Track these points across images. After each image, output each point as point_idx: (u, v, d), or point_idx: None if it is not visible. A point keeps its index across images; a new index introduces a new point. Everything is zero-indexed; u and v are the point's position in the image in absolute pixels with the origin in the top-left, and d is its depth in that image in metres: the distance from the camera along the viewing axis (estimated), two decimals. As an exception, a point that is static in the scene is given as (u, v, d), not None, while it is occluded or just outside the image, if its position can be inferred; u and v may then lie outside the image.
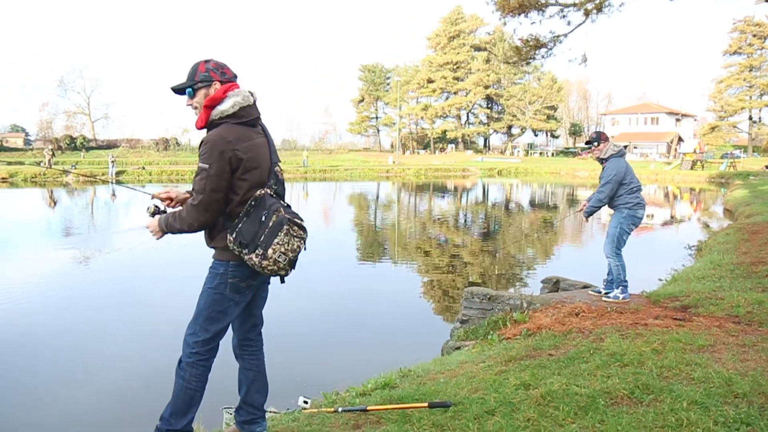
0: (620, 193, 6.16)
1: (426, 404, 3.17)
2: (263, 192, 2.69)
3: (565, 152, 77.08)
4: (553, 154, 76.08)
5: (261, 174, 2.73)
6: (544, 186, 45.18)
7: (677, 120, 69.26)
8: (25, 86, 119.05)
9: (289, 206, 2.78)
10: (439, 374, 4.45)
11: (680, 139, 65.60)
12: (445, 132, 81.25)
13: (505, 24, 12.31)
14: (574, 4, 10.64)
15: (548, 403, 3.22)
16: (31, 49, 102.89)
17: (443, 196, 34.22)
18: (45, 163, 36.56)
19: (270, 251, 2.62)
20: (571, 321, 5.32)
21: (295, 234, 2.68)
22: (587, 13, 10.57)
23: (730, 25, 64.41)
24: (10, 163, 37.53)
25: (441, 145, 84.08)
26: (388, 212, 24.00)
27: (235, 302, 2.79)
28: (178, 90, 2.81)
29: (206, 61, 2.81)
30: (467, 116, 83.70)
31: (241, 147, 2.68)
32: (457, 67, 76.37)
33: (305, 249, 2.77)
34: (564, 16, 11.11)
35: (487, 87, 76.19)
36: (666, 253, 13.26)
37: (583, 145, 65.68)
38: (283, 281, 2.83)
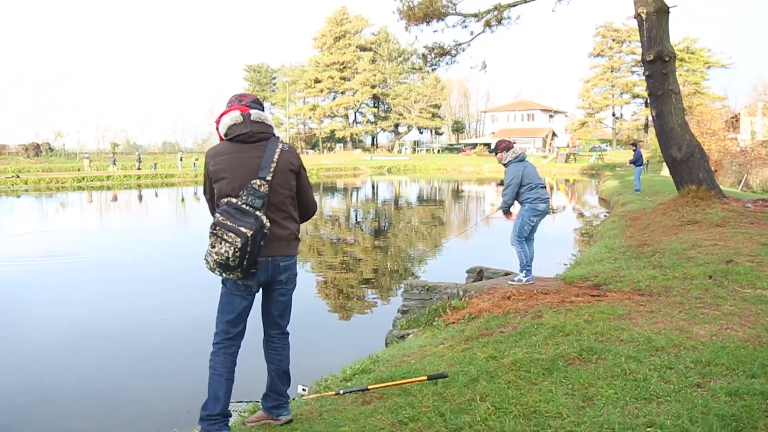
0: (522, 192, 6.99)
1: (425, 377, 3.73)
2: (225, 200, 3.08)
3: (450, 149, 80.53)
4: (438, 151, 79.22)
5: (227, 185, 3.11)
6: (433, 182, 47.13)
7: (551, 116, 74.66)
8: None
9: (255, 216, 2.99)
10: (406, 357, 5.03)
11: (554, 135, 70.80)
12: (333, 131, 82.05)
13: (408, 31, 13.14)
14: (475, 15, 11.65)
15: (519, 368, 3.91)
16: None
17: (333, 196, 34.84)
18: None
19: (205, 252, 3.07)
20: (506, 304, 6.11)
21: (225, 238, 2.98)
22: (488, 24, 11.63)
23: (593, 29, 70.58)
24: None
25: (329, 145, 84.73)
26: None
27: (241, 296, 3.20)
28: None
29: (233, 95, 3.36)
30: (355, 115, 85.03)
31: (213, 160, 3.19)
32: (344, 67, 77.39)
33: (240, 255, 2.94)
34: (466, 26, 12.12)
35: (373, 86, 77.89)
36: (561, 239, 14.76)
37: (466, 141, 68.58)
38: (255, 290, 3.24)
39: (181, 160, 50.18)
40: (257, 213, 3.04)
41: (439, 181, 47.36)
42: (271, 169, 3.16)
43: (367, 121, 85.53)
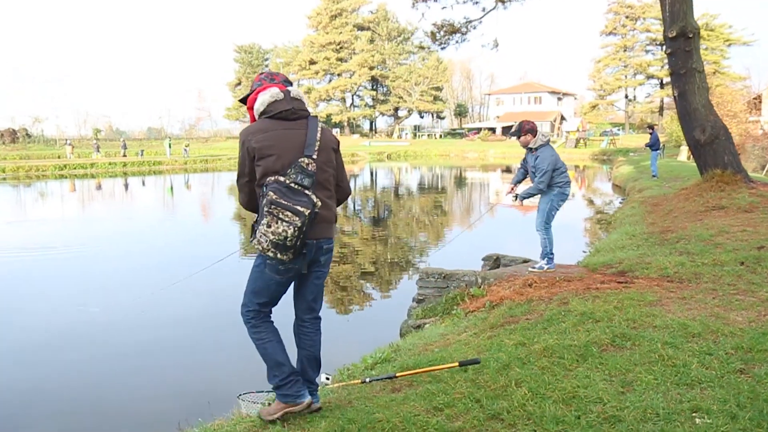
0: (553, 176, 7.05)
1: (456, 363, 3.79)
2: (273, 179, 3.08)
3: (453, 133, 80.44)
4: (441, 136, 79.12)
5: (275, 162, 3.11)
6: (435, 168, 47.09)
7: (559, 99, 74.53)
8: None
9: (306, 196, 3.03)
10: (429, 345, 5.09)
11: (563, 118, 70.71)
12: (329, 116, 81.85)
13: (415, 8, 13.13)
14: (487, -10, 11.65)
15: (551, 354, 3.97)
16: None
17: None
18: None
19: (258, 232, 3.08)
20: (529, 291, 6.17)
21: (282, 217, 3.00)
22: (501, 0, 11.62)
23: (605, 6, 70.42)
24: None
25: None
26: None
27: (276, 281, 3.25)
28: (243, 100, 3.35)
29: (261, 73, 3.38)
30: (352, 99, 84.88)
31: (256, 137, 3.16)
32: (341, 48, 77.14)
33: (298, 235, 2.99)
34: (477, 2, 12.12)
35: (372, 68, 77.64)
36: (577, 226, 14.84)
37: (469, 126, 68.24)
38: (304, 271, 3.29)
39: (169, 146, 50.03)
40: (306, 192, 3.07)
41: (441, 168, 47.36)
42: (316, 147, 3.19)
43: (365, 105, 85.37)
